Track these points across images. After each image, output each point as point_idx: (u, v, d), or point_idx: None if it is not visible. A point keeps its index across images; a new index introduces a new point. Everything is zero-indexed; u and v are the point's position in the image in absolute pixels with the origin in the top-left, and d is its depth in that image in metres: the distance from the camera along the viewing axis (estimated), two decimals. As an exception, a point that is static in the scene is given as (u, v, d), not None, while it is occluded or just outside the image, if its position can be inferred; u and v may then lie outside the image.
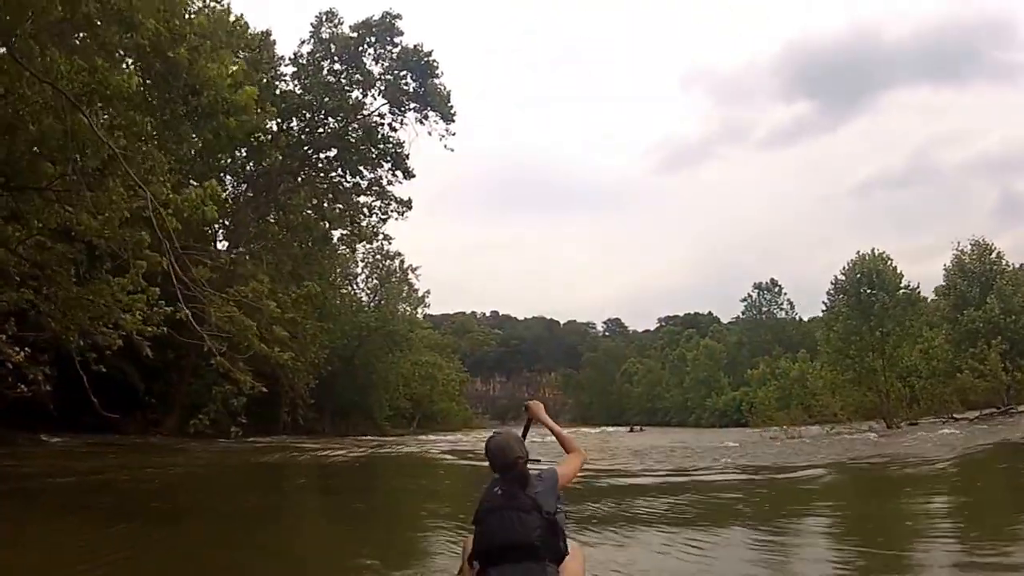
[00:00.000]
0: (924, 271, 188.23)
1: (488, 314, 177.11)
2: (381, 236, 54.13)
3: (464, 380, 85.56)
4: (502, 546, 3.43)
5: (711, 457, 26.53)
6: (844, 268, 46.26)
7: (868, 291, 45.31)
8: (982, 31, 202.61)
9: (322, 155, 44.55)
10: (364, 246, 56.11)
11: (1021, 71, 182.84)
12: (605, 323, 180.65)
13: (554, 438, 4.36)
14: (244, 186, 41.84)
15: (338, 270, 54.43)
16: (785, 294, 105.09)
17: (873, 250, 46.12)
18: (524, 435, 4.52)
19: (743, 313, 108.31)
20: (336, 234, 47.98)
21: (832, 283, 46.80)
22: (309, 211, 42.79)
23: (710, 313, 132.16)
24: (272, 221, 40.42)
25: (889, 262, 45.77)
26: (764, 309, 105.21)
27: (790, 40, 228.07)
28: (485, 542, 3.51)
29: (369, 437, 47.85)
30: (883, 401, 43.15)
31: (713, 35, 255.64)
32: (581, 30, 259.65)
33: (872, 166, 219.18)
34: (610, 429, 76.30)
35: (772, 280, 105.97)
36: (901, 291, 45.25)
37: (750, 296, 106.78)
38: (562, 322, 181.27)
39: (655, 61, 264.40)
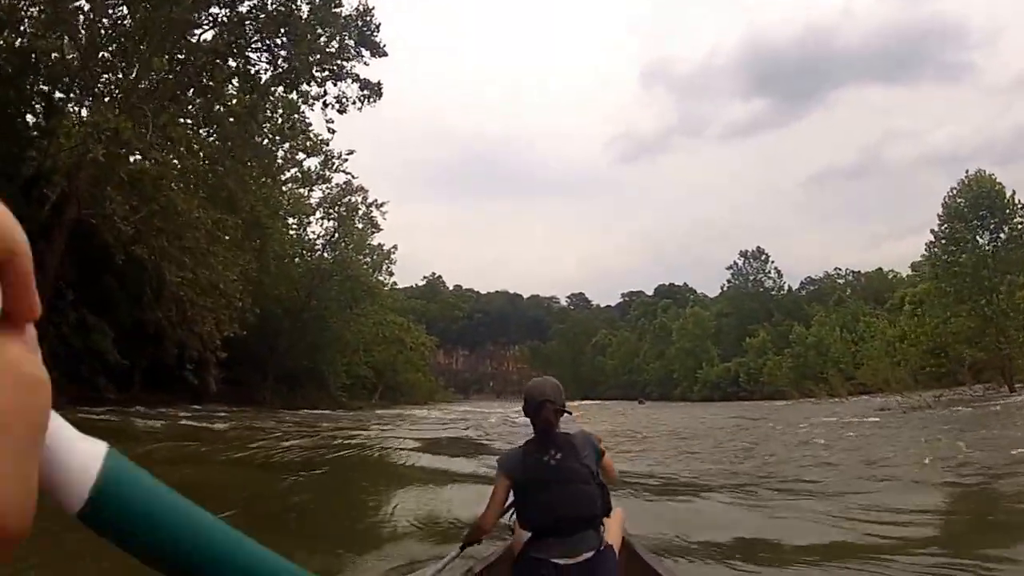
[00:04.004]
0: (877, 257, 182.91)
1: (451, 288, 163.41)
2: (341, 162, 40.37)
3: (434, 346, 71.25)
4: (566, 520, 2.98)
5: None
6: (953, 190, 33.15)
7: (977, 223, 32.45)
8: (931, 34, 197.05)
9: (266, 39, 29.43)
10: (323, 187, 42.13)
11: (967, 73, 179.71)
12: (569, 297, 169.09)
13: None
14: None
15: (286, 204, 39.62)
16: (772, 262, 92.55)
17: (980, 171, 33.20)
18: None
19: (729, 281, 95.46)
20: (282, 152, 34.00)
21: (943, 206, 33.52)
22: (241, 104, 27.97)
23: (685, 284, 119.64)
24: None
25: (998, 185, 32.91)
26: (751, 278, 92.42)
27: (748, 39, 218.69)
28: (545, 517, 3.00)
29: (318, 411, 33.63)
30: (1004, 357, 30.35)
31: (673, 33, 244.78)
32: (549, 24, 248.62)
33: (825, 159, 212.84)
34: (601, 402, 63.58)
35: (758, 248, 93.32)
36: (1019, 220, 32.37)
37: (735, 264, 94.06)
38: (525, 296, 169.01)
39: (618, 59, 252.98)
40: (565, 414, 3.16)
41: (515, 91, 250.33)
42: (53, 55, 22.30)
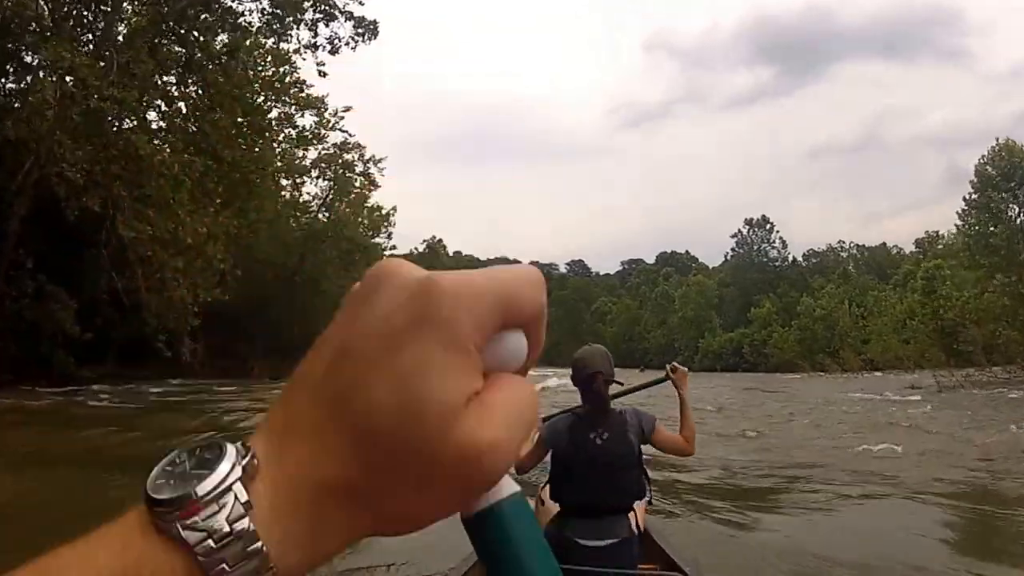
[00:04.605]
0: (874, 233, 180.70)
1: (451, 254, 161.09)
2: (337, 120, 37.94)
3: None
4: (602, 504, 2.91)
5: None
6: (983, 159, 30.75)
7: (1008, 194, 30.13)
8: (933, 15, 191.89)
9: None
10: (319, 148, 39.65)
11: (966, 55, 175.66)
12: (568, 264, 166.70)
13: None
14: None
15: (278, 162, 36.99)
16: (777, 231, 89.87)
17: (1009, 140, 30.79)
18: (643, 388, 3.68)
19: (733, 250, 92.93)
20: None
21: (975, 173, 31.09)
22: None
23: (687, 252, 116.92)
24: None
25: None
26: (755, 247, 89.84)
27: (752, 10, 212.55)
28: (582, 498, 2.95)
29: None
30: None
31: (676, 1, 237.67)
32: None
33: (825, 132, 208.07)
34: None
35: (763, 217, 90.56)
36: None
37: (740, 232, 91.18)
38: (524, 263, 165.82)
39: (620, 26, 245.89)
40: (615, 384, 3.10)
41: (514, 56, 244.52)
42: (27, 15, 20.03)
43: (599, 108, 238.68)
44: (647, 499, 3.15)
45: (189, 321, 20.67)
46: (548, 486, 3.12)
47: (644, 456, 3.07)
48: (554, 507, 3.04)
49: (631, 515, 2.96)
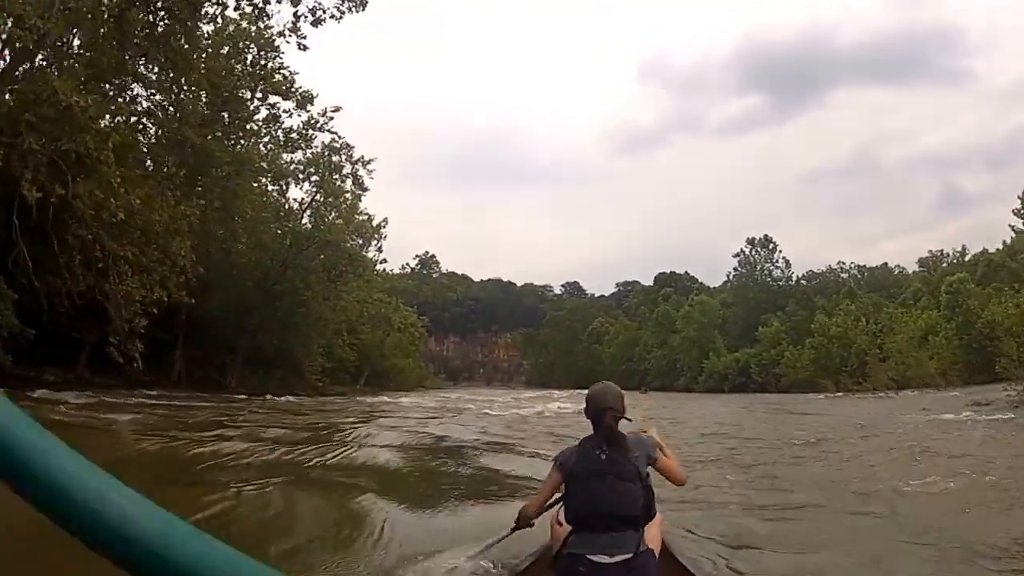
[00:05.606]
0: (868, 256, 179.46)
1: (444, 271, 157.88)
2: (327, 120, 34.99)
3: (424, 327, 65.66)
4: (606, 515, 2.98)
5: None
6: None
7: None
8: (930, 38, 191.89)
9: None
10: (308, 152, 36.69)
11: (964, 77, 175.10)
12: (563, 286, 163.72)
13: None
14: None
15: (260, 161, 33.74)
16: (780, 251, 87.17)
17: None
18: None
19: (735, 269, 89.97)
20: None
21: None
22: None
23: (687, 273, 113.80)
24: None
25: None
26: (758, 266, 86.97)
27: (746, 36, 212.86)
28: (587, 509, 3.04)
29: (287, 398, 28.29)
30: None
31: (671, 29, 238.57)
32: (547, 18, 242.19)
33: (820, 156, 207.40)
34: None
35: (766, 236, 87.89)
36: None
37: (743, 252, 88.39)
38: (519, 284, 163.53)
39: (614, 54, 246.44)
40: (625, 420, 3.22)
41: (509, 81, 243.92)
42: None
43: (595, 133, 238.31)
44: (656, 516, 3.23)
45: (139, 322, 17.26)
46: (562, 508, 3.21)
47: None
48: (566, 528, 3.12)
49: (641, 531, 2.98)
